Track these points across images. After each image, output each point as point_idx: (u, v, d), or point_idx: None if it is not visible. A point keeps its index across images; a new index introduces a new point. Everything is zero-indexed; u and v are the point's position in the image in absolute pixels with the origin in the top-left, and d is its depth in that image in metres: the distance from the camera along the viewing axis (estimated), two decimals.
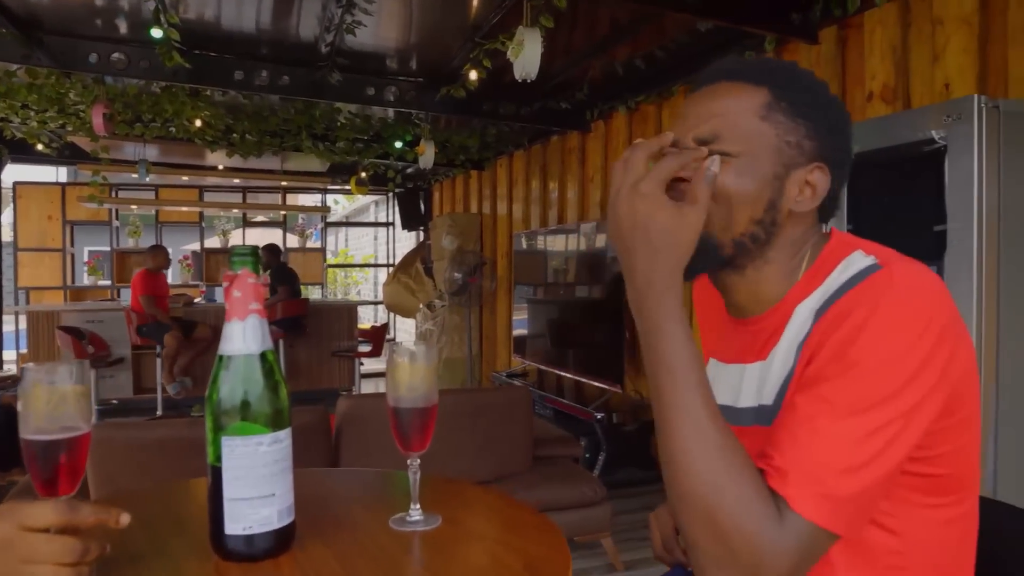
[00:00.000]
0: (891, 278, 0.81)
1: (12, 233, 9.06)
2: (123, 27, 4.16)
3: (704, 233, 0.86)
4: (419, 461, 0.98)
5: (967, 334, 0.84)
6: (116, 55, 4.33)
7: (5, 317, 8.06)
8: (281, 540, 0.87)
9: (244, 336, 0.86)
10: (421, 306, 8.02)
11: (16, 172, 8.89)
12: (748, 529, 0.75)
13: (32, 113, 5.53)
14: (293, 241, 10.56)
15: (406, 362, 0.97)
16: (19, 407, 0.80)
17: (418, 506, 0.99)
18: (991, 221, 2.09)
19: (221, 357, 0.87)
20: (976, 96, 2.07)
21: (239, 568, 0.85)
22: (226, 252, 10.33)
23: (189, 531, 0.98)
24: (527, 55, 2.86)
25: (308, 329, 7.34)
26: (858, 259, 0.87)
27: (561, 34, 3.60)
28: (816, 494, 0.75)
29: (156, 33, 3.62)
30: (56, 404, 0.80)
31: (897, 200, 2.34)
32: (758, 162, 0.89)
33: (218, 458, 0.84)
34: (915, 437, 0.78)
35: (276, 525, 0.86)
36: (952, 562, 0.88)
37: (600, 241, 4.81)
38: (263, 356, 0.87)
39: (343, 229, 17.56)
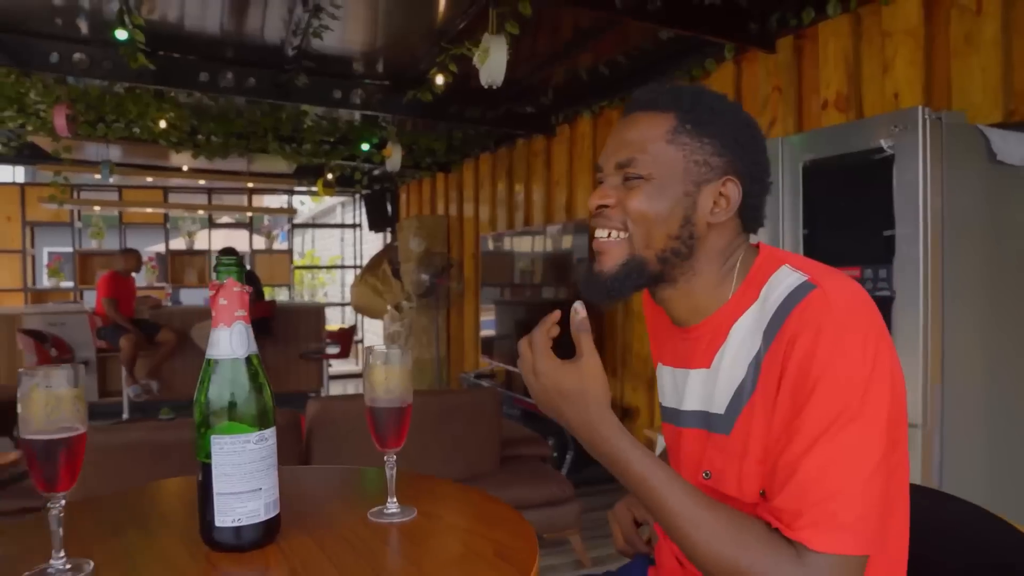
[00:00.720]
0: (826, 298, 0.89)
1: None
2: (84, 27, 4.14)
3: (629, 255, 0.98)
4: (395, 457, 1.04)
5: (890, 339, 0.92)
6: (78, 55, 4.30)
7: None
8: (268, 531, 0.93)
9: (231, 341, 0.91)
10: (389, 307, 8.04)
11: None
12: None
13: None
14: (259, 243, 10.49)
15: (382, 365, 1.03)
16: (19, 409, 0.84)
17: (395, 499, 1.05)
18: (935, 226, 2.19)
19: (209, 361, 0.91)
20: (920, 108, 2.17)
21: (229, 558, 0.91)
22: (191, 253, 10.25)
23: (177, 526, 1.02)
24: (493, 62, 2.92)
25: (275, 331, 7.31)
26: (786, 274, 0.95)
27: (526, 40, 3.66)
28: (830, 527, 0.82)
29: (121, 35, 3.61)
30: (53, 407, 0.85)
31: (850, 205, 2.44)
32: (669, 182, 0.98)
33: (207, 455, 0.90)
34: (884, 436, 0.85)
35: (263, 517, 0.92)
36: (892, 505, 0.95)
37: (566, 243, 4.88)
38: (248, 360, 0.93)
39: (309, 230, 17.45)
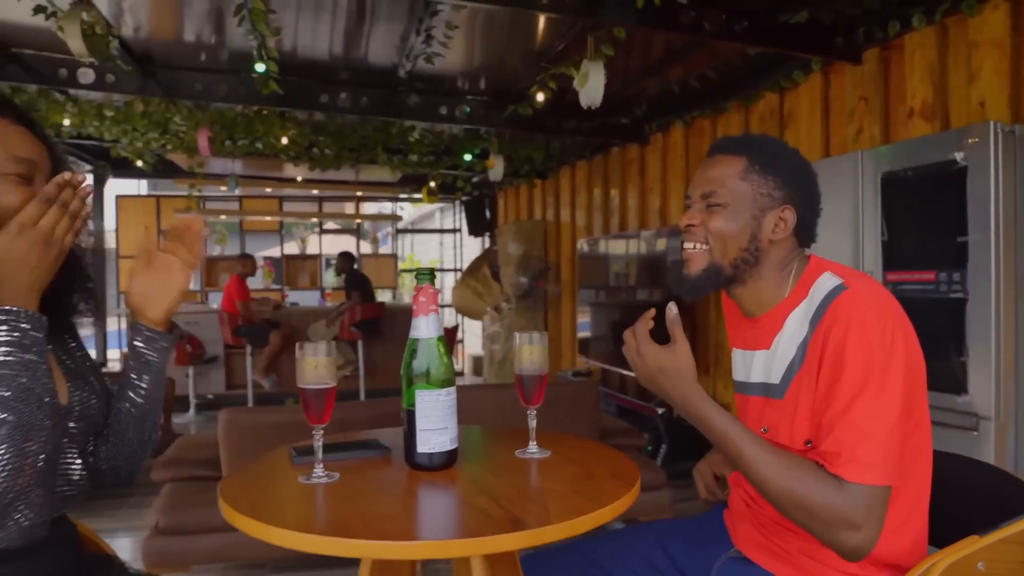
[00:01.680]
0: (854, 297, 1.19)
1: (115, 241, 9.82)
2: (223, 59, 4.66)
3: (709, 263, 1.31)
4: (535, 412, 1.40)
5: (913, 331, 1.20)
6: (218, 84, 4.84)
7: (109, 319, 8.82)
8: (451, 458, 1.29)
9: (427, 326, 1.28)
10: (489, 309, 8.40)
11: (115, 186, 9.65)
12: (824, 505, 1.11)
13: (139, 135, 6.12)
14: (365, 247, 11.09)
15: (528, 344, 1.40)
16: (297, 369, 1.23)
17: (535, 443, 1.41)
18: (1007, 233, 2.33)
19: (412, 340, 1.28)
20: (992, 123, 2.32)
21: (426, 475, 1.28)
22: (303, 258, 10.95)
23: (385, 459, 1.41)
24: (591, 86, 3.20)
25: (384, 331, 7.79)
26: (827, 279, 1.26)
27: (620, 58, 3.91)
28: (860, 464, 1.11)
29: (259, 67, 4.08)
30: (319, 367, 1.23)
31: (925, 213, 2.60)
32: (740, 209, 1.30)
33: (412, 404, 1.26)
34: (901, 400, 1.14)
35: (448, 448, 1.28)
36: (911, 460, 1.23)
37: (660, 246, 5.10)
38: (439, 339, 1.29)
39: (409, 235, 18.14)
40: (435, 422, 1.25)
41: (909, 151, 2.68)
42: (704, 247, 1.32)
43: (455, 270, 11.00)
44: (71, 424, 1.17)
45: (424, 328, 1.28)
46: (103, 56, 2.94)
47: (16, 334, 1.01)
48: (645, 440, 3.85)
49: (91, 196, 1.20)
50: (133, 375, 1.25)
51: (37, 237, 1.04)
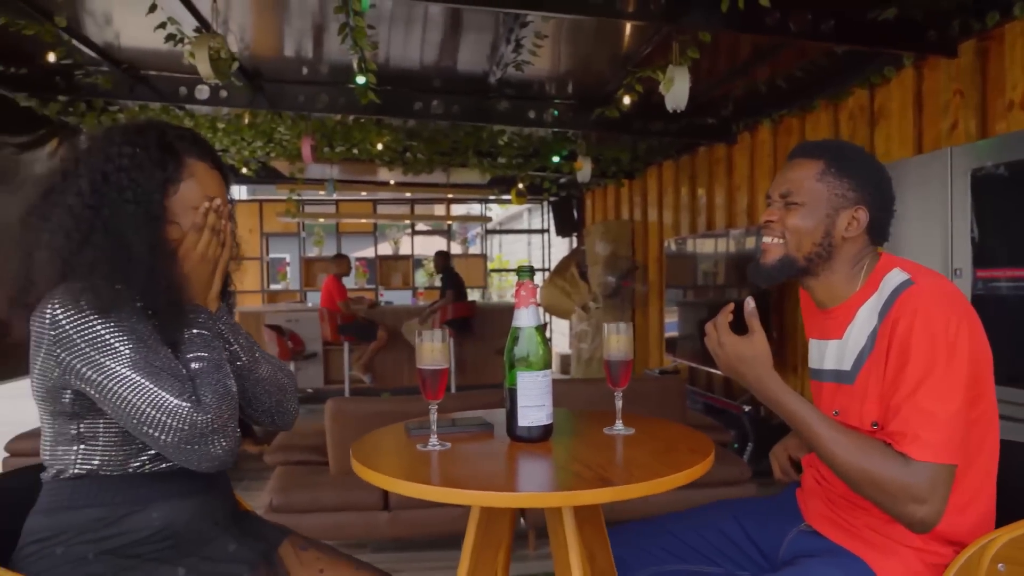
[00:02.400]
0: (920, 291, 1.29)
1: None
2: (324, 72, 4.95)
3: (784, 254, 1.43)
4: (621, 393, 1.56)
5: (979, 325, 1.28)
6: (319, 95, 5.15)
7: None
8: (547, 432, 1.46)
9: (529, 316, 1.46)
10: (576, 308, 8.51)
11: None
12: (892, 480, 1.22)
13: (246, 144, 6.54)
14: (455, 248, 11.39)
15: (615, 333, 1.56)
16: (416, 352, 1.44)
17: (621, 422, 1.56)
18: None
19: (514, 328, 1.46)
20: None
21: (526, 445, 1.45)
22: (396, 258, 11.34)
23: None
24: (677, 90, 3.28)
25: (474, 329, 8.01)
26: (896, 274, 1.36)
27: (706, 59, 3.95)
28: (924, 444, 1.21)
29: (360, 79, 4.33)
30: (435, 351, 1.43)
31: (1017, 209, 2.57)
32: (816, 207, 1.41)
33: (513, 384, 1.44)
34: (964, 388, 1.23)
35: (545, 423, 1.45)
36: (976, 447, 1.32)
37: (749, 244, 5.10)
38: (537, 328, 1.47)
39: (497, 235, 18.42)
40: (534, 400, 1.43)
41: (1002, 146, 2.65)
42: (780, 241, 1.43)
43: (543, 270, 11.16)
44: None
45: (525, 318, 1.46)
46: (225, 77, 3.24)
47: (202, 318, 1.37)
48: (731, 436, 3.90)
49: (227, 211, 1.45)
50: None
51: (195, 259, 1.37)
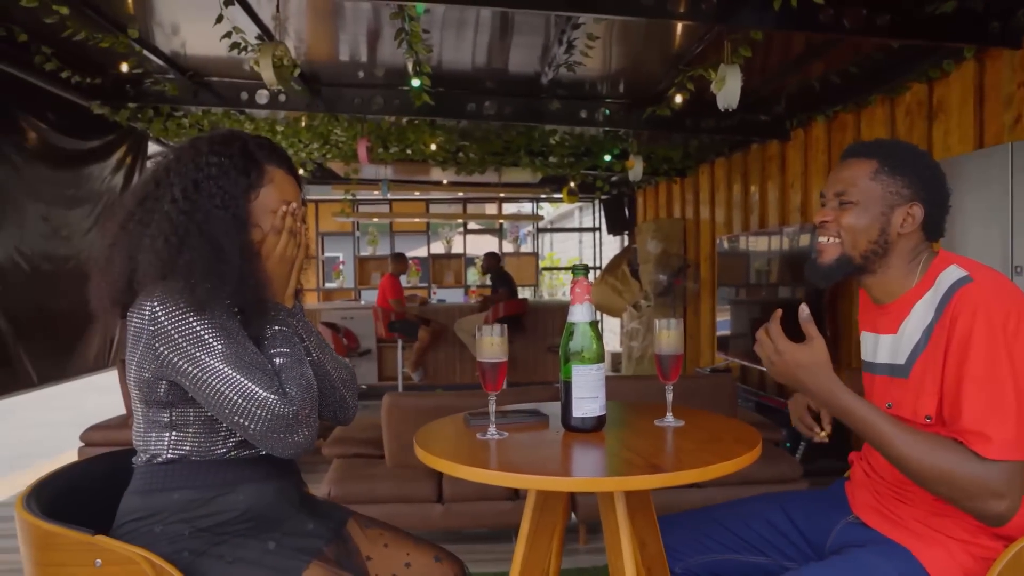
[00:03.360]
0: (979, 288, 1.31)
1: None
2: (379, 75, 5.07)
3: (840, 253, 1.45)
4: (672, 386, 1.60)
5: None
6: (375, 98, 5.28)
7: None
8: (600, 422, 1.51)
9: (583, 312, 1.52)
10: (627, 306, 8.51)
11: None
12: (968, 478, 1.25)
13: (303, 146, 6.72)
14: (508, 246, 11.47)
15: (666, 329, 1.61)
16: (477, 346, 1.51)
17: (671, 414, 1.61)
18: None
19: (569, 323, 1.51)
20: None
21: (580, 436, 1.50)
22: (448, 257, 11.49)
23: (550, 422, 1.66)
24: (728, 89, 3.29)
25: (526, 327, 8.08)
26: (954, 271, 1.37)
27: (758, 56, 3.93)
28: (996, 442, 1.23)
29: (415, 82, 4.44)
30: (494, 345, 1.51)
31: None
32: (870, 206, 1.44)
33: (569, 376, 1.50)
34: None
35: (598, 414, 1.50)
36: None
37: (803, 242, 5.05)
38: (592, 323, 1.52)
39: (549, 234, 18.46)
40: (588, 391, 1.48)
41: None
42: (836, 240, 1.46)
43: (594, 268, 11.17)
44: None
45: (579, 314, 1.51)
46: (287, 83, 3.37)
47: (282, 315, 1.48)
48: (782, 435, 3.89)
49: (302, 213, 1.56)
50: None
51: (275, 259, 1.48)
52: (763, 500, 1.65)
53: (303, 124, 6.07)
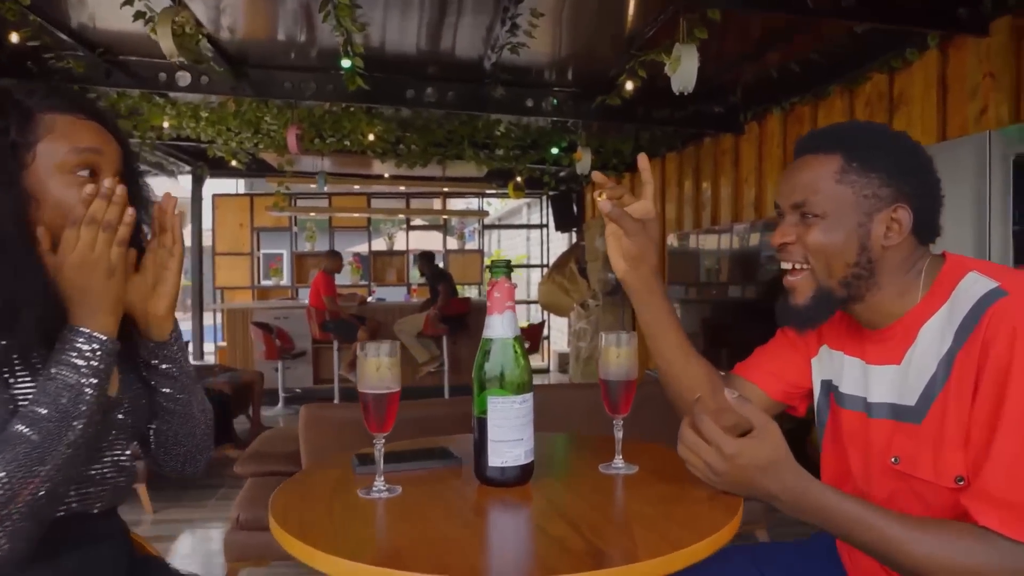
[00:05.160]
0: (1019, 303, 0.98)
1: (211, 239, 10.17)
2: (311, 57, 4.69)
3: (816, 287, 1.11)
4: (622, 422, 1.24)
5: None
6: (306, 82, 4.89)
7: (205, 314, 9.16)
8: (526, 473, 1.16)
9: (502, 325, 1.15)
10: (575, 305, 8.26)
11: (212, 185, 10.00)
12: (1000, 572, 0.93)
13: (232, 135, 6.27)
14: (452, 243, 11.13)
15: (615, 347, 1.24)
16: (357, 372, 1.12)
17: (620, 457, 1.25)
18: None
19: (485, 340, 1.15)
20: None
21: (498, 491, 1.15)
22: (390, 254, 11.09)
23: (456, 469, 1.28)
24: (684, 70, 3.03)
25: (470, 326, 7.77)
26: (974, 279, 1.04)
27: (713, 42, 3.70)
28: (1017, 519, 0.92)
29: (345, 63, 4.07)
30: (381, 369, 1.12)
31: None
32: (842, 217, 1.09)
33: (483, 412, 1.14)
34: None
35: (523, 462, 1.15)
36: None
37: (754, 241, 4.85)
38: (516, 339, 1.15)
39: (496, 230, 18.17)
40: (508, 433, 1.12)
41: None
42: (805, 267, 1.12)
43: (542, 266, 10.91)
44: (119, 415, 1.14)
45: (499, 327, 1.15)
46: (192, 55, 2.97)
47: (73, 354, 0.98)
48: None
49: (144, 192, 1.17)
50: (154, 383, 1.18)
51: (74, 264, 0.99)
52: (733, 556, 1.30)
53: (231, 110, 5.63)
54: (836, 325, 1.24)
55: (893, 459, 1.10)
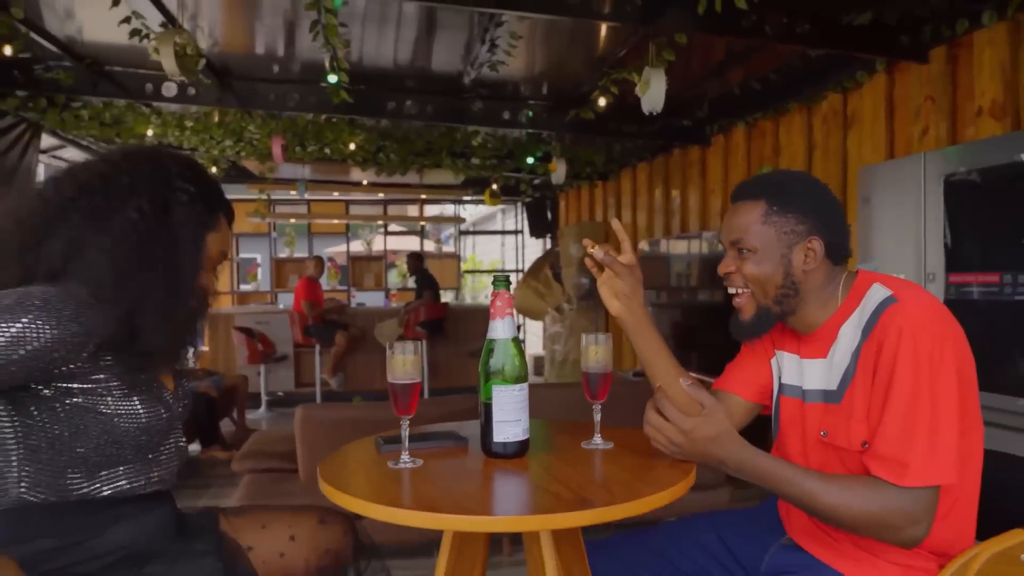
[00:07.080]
0: (904, 309, 1.26)
1: None
2: (294, 70, 4.87)
3: (757, 306, 1.41)
4: (600, 406, 1.52)
5: (964, 338, 1.26)
6: (290, 94, 5.06)
7: None
8: (523, 447, 1.41)
9: (503, 328, 1.40)
10: (550, 310, 8.48)
11: None
12: (892, 512, 1.20)
13: (215, 143, 6.41)
14: (430, 246, 11.30)
15: (594, 345, 1.51)
16: (388, 365, 1.36)
17: (599, 435, 1.52)
18: None
19: (489, 340, 1.40)
20: None
21: (501, 462, 1.40)
22: (369, 259, 11.24)
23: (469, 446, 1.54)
24: (653, 92, 3.26)
25: (447, 331, 7.95)
26: (876, 290, 1.33)
27: (681, 61, 3.94)
28: (916, 471, 1.19)
29: (332, 78, 4.25)
30: (407, 364, 1.37)
31: (989, 216, 2.58)
32: (768, 251, 1.39)
33: (489, 398, 1.39)
34: (953, 407, 1.20)
35: (521, 438, 1.40)
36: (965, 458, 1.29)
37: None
38: (513, 340, 1.41)
39: (471, 236, 18.35)
40: (509, 415, 1.37)
41: (975, 153, 2.66)
42: (745, 291, 1.42)
43: (517, 271, 11.12)
44: (179, 408, 1.41)
45: (501, 330, 1.40)
46: (192, 75, 3.15)
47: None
48: None
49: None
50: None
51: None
52: (696, 522, 1.58)
53: (215, 120, 5.78)
54: (781, 332, 1.52)
55: (823, 433, 1.38)
